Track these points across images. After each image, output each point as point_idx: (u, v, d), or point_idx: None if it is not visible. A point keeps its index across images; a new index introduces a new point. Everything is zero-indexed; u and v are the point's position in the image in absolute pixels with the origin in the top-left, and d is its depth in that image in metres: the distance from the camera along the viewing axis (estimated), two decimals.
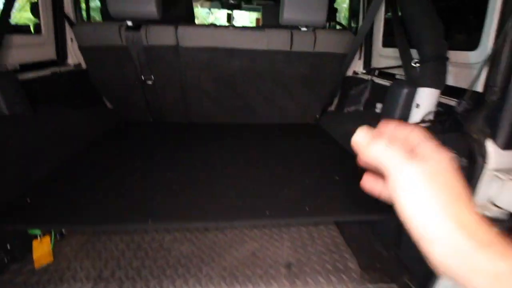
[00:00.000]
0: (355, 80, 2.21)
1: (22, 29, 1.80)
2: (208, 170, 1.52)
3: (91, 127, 1.91)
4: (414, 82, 1.34)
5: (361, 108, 2.03)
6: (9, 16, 1.35)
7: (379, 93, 1.92)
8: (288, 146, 1.92)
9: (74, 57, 2.10)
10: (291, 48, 1.93)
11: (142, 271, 1.17)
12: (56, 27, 1.95)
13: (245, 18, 8.35)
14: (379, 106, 1.70)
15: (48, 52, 1.95)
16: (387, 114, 1.45)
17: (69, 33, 2.04)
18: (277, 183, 1.40)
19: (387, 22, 1.99)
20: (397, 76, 1.82)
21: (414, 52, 1.39)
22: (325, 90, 2.20)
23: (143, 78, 2.02)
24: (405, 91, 1.35)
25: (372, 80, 2.01)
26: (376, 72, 2.06)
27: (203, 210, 1.17)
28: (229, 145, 1.89)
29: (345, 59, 1.95)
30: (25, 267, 1.18)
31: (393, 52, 1.93)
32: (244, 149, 1.83)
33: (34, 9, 1.82)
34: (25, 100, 1.37)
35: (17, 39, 1.65)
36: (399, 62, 1.81)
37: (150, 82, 2.06)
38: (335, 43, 1.95)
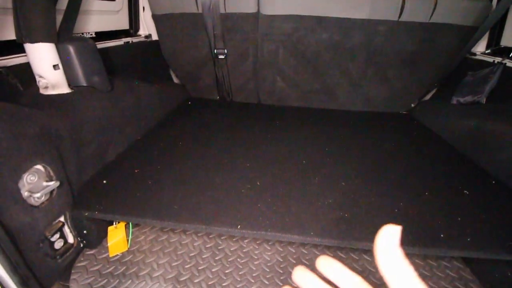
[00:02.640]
0: (473, 61, 1.73)
1: None
2: (295, 166, 1.27)
3: (162, 104, 1.78)
4: None
5: (483, 101, 1.57)
6: None
7: None
8: (384, 142, 1.56)
9: (145, 27, 1.96)
10: (399, 17, 1.52)
11: (224, 279, 1.00)
12: None
13: None
14: None
15: (121, 21, 1.83)
16: None
17: (141, 2, 1.89)
18: (388, 192, 1.10)
19: None
20: None
21: None
22: (431, 73, 1.77)
23: (215, 51, 1.81)
24: None
25: (504, 64, 1.53)
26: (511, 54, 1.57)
27: (301, 223, 0.94)
28: (307, 135, 1.60)
29: (473, 35, 1.49)
30: (100, 255, 1.09)
31: None
32: (328, 140, 1.54)
33: None
34: (103, 72, 1.23)
35: (93, 4, 1.53)
36: None
37: (222, 56, 1.84)
38: (462, 12, 1.49)
